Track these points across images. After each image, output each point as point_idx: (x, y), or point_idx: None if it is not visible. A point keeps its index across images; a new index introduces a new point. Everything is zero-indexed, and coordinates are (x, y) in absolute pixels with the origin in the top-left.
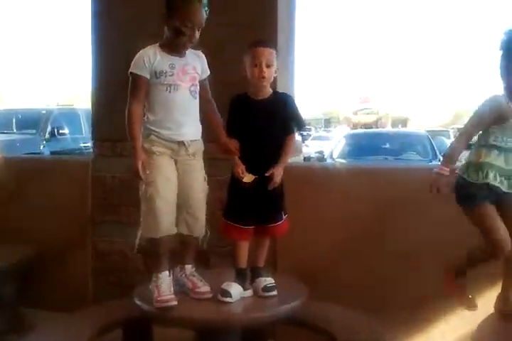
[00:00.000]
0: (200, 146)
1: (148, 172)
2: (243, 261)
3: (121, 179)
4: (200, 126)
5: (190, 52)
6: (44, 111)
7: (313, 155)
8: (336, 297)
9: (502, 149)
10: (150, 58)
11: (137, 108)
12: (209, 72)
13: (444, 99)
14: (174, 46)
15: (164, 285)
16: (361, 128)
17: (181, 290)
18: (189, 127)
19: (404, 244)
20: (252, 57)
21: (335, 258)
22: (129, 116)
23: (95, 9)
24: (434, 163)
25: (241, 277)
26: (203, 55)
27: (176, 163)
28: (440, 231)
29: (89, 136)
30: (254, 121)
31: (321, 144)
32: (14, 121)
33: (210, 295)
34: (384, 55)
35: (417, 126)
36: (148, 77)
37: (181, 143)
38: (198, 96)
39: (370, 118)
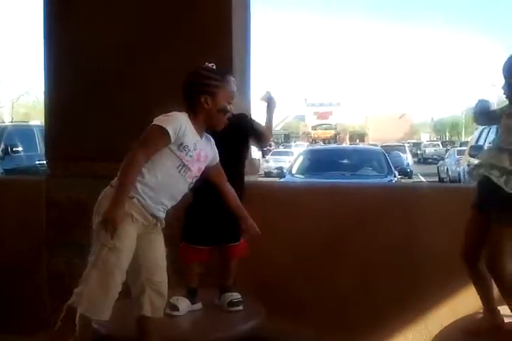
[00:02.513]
0: (164, 223)
1: (117, 234)
2: (195, 281)
3: (76, 199)
4: None
5: (206, 137)
6: None
7: (273, 170)
8: (294, 316)
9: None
10: (186, 127)
11: (143, 158)
12: (218, 158)
13: (400, 114)
14: (210, 126)
15: None
16: (320, 143)
17: None
18: (166, 210)
19: (363, 262)
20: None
21: (293, 276)
22: (131, 162)
23: (48, 21)
24: (389, 177)
25: (190, 295)
26: (212, 139)
27: (140, 236)
28: (399, 248)
29: None
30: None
31: (280, 159)
32: None
33: None
34: (342, 70)
35: (375, 140)
36: (172, 141)
37: (156, 219)
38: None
39: (328, 134)
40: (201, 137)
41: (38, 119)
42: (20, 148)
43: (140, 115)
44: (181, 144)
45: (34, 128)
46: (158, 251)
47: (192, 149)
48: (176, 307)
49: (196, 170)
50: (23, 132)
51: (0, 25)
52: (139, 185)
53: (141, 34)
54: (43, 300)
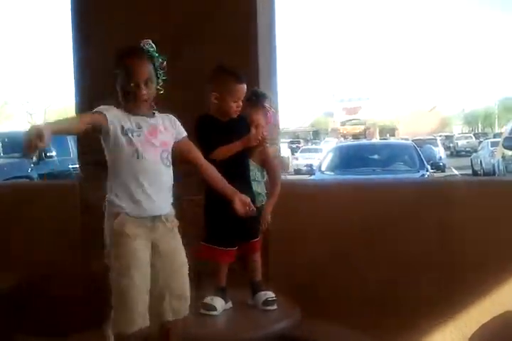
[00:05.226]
0: (176, 222)
1: (120, 259)
2: (224, 281)
3: None
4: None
5: (159, 116)
6: None
7: (302, 168)
8: (327, 309)
9: None
10: (117, 112)
11: (85, 119)
12: (185, 133)
13: (430, 107)
14: (129, 107)
15: None
16: (350, 138)
17: None
18: (162, 200)
19: (394, 255)
20: (233, 92)
21: (325, 270)
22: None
23: (76, 21)
24: (421, 172)
25: (221, 293)
26: (175, 118)
27: (153, 244)
28: (434, 245)
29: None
30: (225, 141)
31: (310, 156)
32: (1, 144)
33: None
34: (370, 63)
35: (405, 134)
36: (108, 122)
37: (157, 219)
38: (171, 164)
39: (357, 129)
40: (147, 116)
41: None
42: (53, 153)
43: None
44: (122, 127)
45: None
46: (176, 252)
47: (136, 129)
48: (213, 307)
49: (159, 144)
50: (56, 137)
51: (29, 32)
52: (115, 199)
53: (165, 34)
54: (79, 303)
